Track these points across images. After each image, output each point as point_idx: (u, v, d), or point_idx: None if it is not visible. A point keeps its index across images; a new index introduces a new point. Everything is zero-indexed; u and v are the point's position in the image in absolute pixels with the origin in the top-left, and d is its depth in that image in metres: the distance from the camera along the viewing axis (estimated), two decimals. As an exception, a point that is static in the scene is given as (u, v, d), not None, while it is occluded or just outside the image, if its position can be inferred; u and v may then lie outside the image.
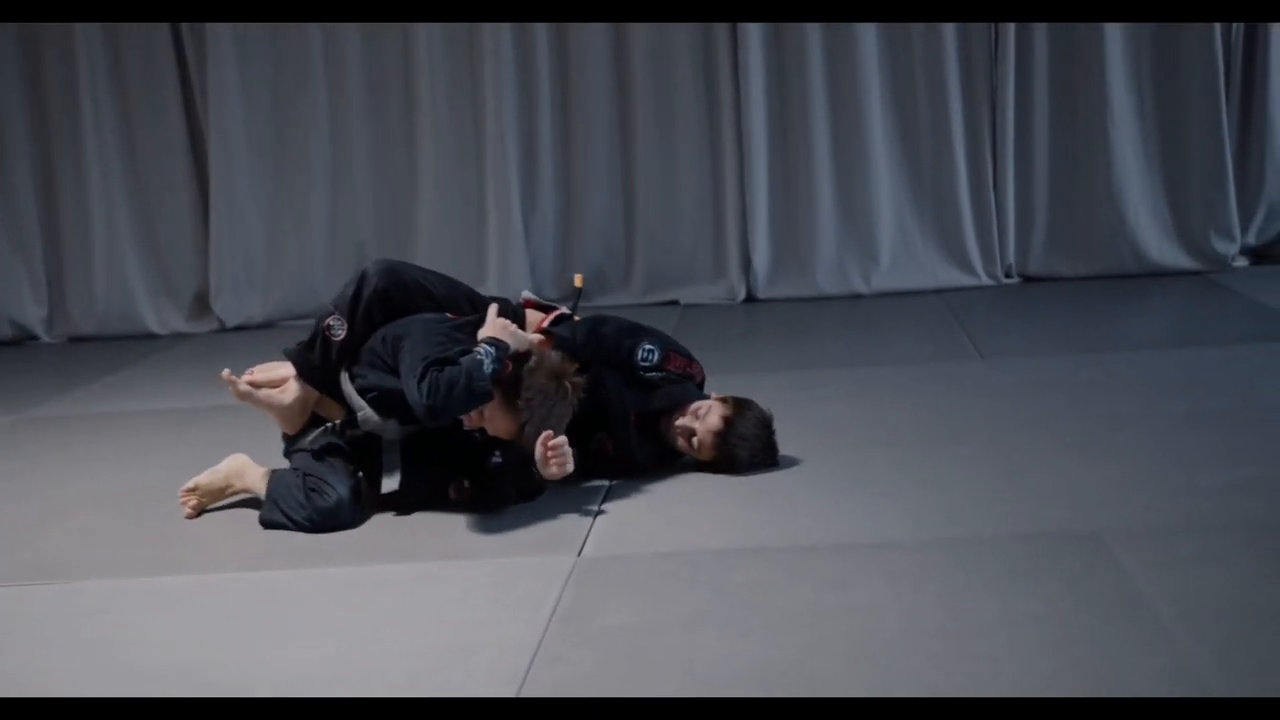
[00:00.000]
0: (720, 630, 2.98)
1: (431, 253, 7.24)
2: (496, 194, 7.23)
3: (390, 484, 4.01)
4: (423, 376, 3.58)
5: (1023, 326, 6.19)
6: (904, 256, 7.14)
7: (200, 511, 4.10)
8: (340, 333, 3.96)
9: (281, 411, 4.03)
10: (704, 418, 4.00)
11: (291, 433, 4.07)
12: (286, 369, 4.06)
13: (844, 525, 3.63)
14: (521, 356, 3.76)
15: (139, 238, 7.39)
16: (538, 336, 3.95)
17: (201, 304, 7.46)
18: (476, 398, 3.60)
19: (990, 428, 4.45)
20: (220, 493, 4.13)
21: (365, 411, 3.90)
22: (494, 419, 3.73)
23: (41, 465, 4.86)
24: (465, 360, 3.62)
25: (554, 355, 3.82)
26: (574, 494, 3.98)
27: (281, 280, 7.40)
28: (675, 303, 7.23)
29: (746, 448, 3.99)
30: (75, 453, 5.01)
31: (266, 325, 7.39)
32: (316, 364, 3.99)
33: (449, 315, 3.98)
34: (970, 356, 5.63)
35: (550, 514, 3.84)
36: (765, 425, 4.05)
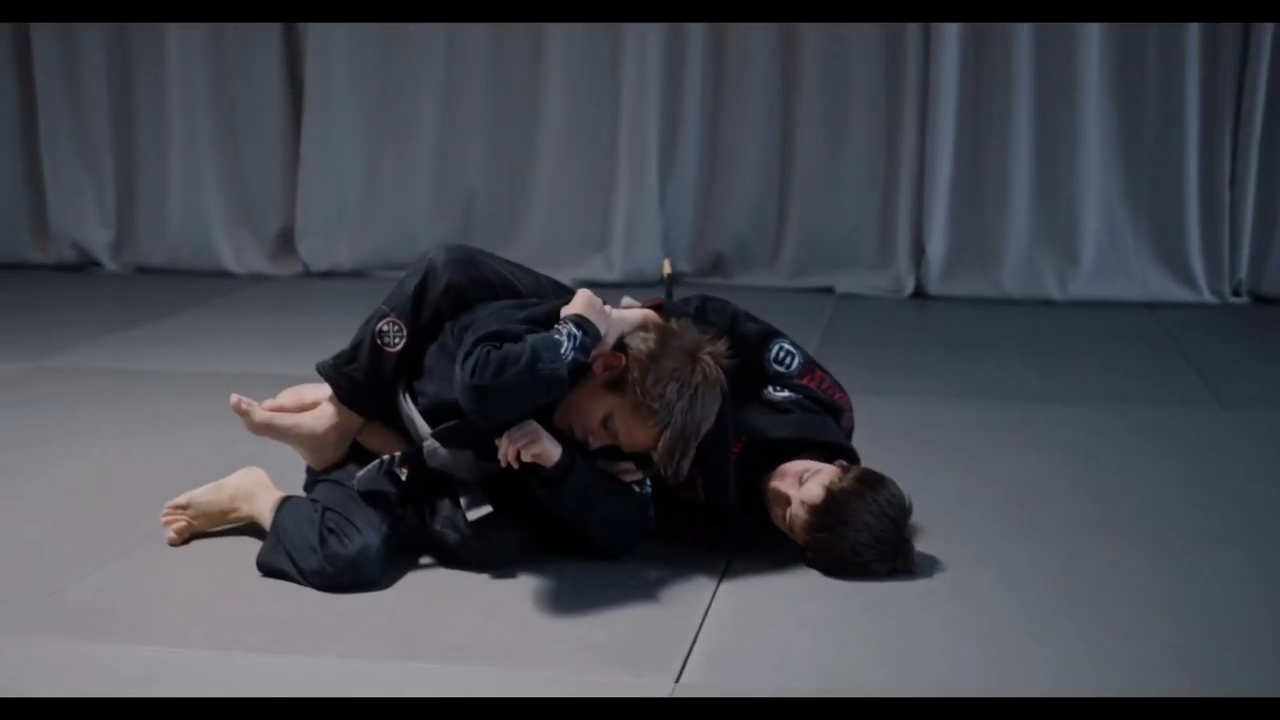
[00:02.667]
0: None
1: (550, 207, 6.38)
2: (630, 145, 6.26)
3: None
4: (469, 353, 2.67)
5: (1265, 365, 4.98)
6: (1111, 259, 6.04)
7: (187, 538, 3.12)
8: (398, 341, 2.96)
9: (313, 443, 3.05)
10: (805, 483, 2.90)
11: (320, 469, 3.09)
12: (319, 390, 3.09)
13: (1074, 675, 2.50)
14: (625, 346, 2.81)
15: (221, 162, 6.55)
16: (645, 312, 2.92)
17: (285, 243, 6.61)
18: (542, 382, 2.67)
19: (1259, 523, 3.27)
20: (220, 516, 3.16)
21: (432, 443, 2.91)
22: (628, 428, 2.77)
23: (31, 431, 3.95)
24: (534, 337, 2.71)
25: (679, 328, 2.83)
26: (676, 577, 2.90)
27: (377, 224, 6.50)
28: (829, 290, 6.21)
29: (850, 539, 2.83)
30: (80, 419, 4.10)
31: (356, 274, 6.49)
32: (362, 382, 3.00)
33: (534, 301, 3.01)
34: (1203, 402, 4.44)
35: (642, 602, 2.78)
36: (891, 517, 2.87)
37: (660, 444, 2.73)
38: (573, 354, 2.70)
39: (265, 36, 6.41)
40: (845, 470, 2.94)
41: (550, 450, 2.78)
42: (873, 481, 2.92)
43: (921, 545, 3.03)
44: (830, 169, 6.19)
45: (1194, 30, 5.87)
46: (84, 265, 6.65)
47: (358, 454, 3.04)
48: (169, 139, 6.48)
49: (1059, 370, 4.91)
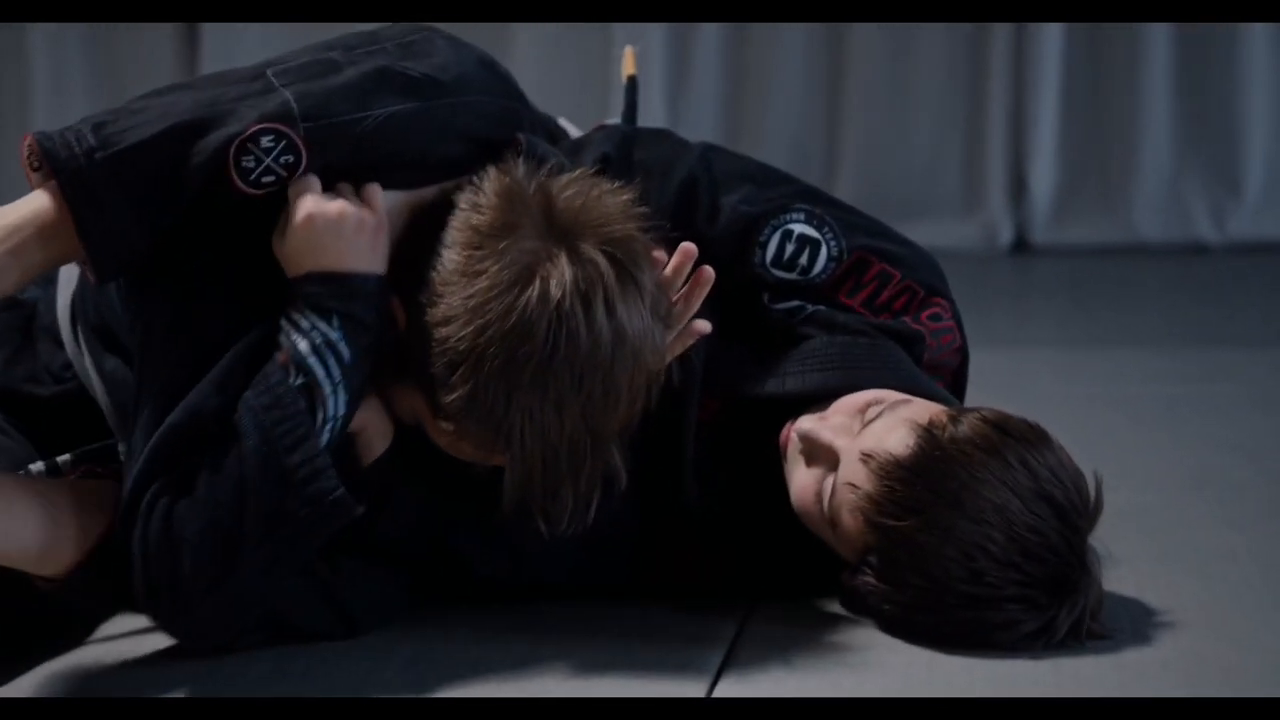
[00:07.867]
0: None
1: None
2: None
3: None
4: (128, 513, 1.45)
5: None
6: (1284, 186, 5.22)
7: None
8: None
9: None
10: (873, 422, 1.61)
11: None
12: None
13: None
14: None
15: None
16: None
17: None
18: (305, 524, 1.48)
19: None
20: None
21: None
22: (444, 440, 1.58)
23: None
24: (251, 411, 1.46)
25: (499, 184, 1.52)
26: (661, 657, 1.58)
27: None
28: (901, 245, 5.15)
29: (964, 538, 1.46)
30: None
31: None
32: None
33: None
34: None
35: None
36: (1060, 505, 1.48)
37: (507, 477, 1.47)
38: (345, 404, 1.47)
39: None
40: (956, 411, 1.59)
41: (373, 426, 1.57)
42: (1023, 433, 1.54)
43: (1119, 578, 1.60)
44: (893, 87, 5.30)
45: None
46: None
47: None
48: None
49: (1246, 314, 3.82)
